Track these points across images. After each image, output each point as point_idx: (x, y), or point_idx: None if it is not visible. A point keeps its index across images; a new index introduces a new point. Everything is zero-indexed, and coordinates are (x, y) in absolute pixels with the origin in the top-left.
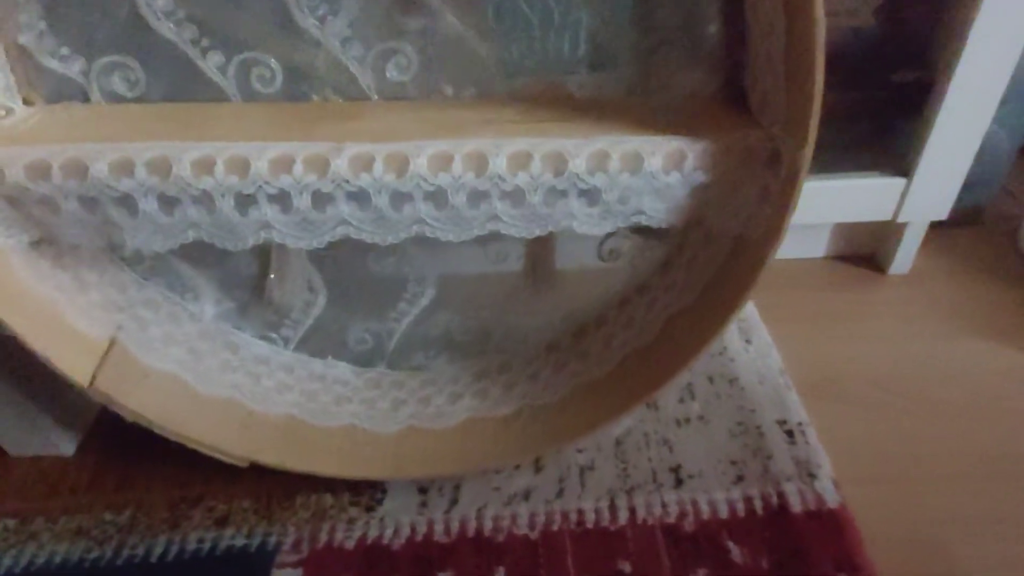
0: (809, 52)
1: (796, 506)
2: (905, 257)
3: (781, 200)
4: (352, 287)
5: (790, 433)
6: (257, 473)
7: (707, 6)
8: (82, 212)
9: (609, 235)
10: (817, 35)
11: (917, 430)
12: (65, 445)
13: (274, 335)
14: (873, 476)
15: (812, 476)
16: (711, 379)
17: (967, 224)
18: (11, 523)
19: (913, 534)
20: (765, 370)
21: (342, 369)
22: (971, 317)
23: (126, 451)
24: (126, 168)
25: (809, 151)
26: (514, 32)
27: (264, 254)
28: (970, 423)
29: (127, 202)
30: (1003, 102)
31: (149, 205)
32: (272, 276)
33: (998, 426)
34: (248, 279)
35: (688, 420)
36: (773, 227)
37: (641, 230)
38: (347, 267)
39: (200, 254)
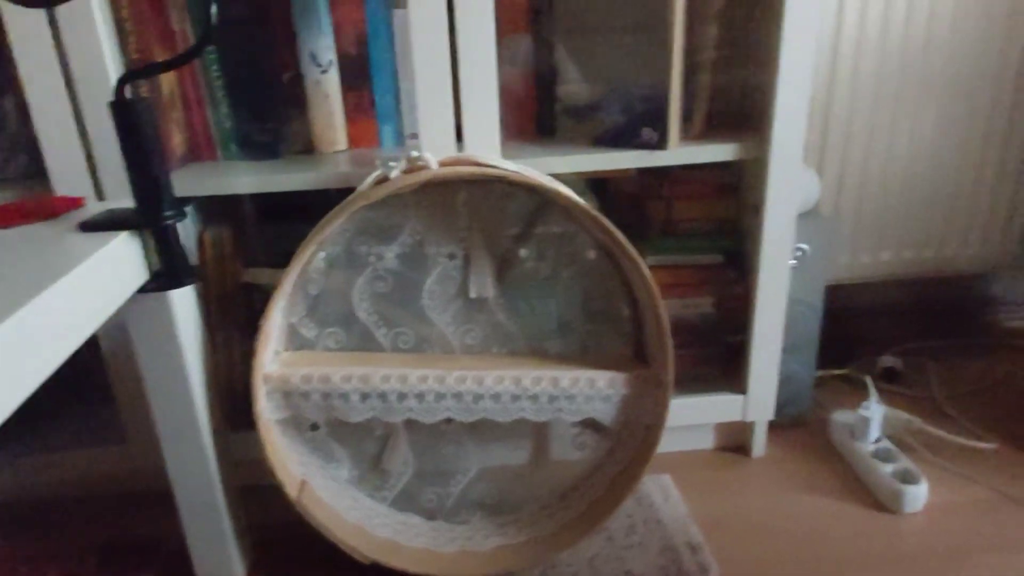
0: (664, 333)
1: None
2: (760, 446)
3: (663, 403)
4: (429, 464)
5: (693, 549)
6: None
7: (620, 305)
8: (320, 400)
9: (578, 434)
10: (666, 326)
11: (766, 544)
12: (239, 571)
13: (377, 495)
14: (742, 570)
15: (706, 571)
16: (644, 521)
17: (796, 426)
18: None
19: None
20: (677, 515)
21: (416, 520)
22: (799, 480)
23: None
24: (347, 378)
25: (668, 379)
26: (522, 319)
27: (383, 440)
28: (798, 539)
29: (344, 395)
30: (797, 350)
31: (354, 397)
32: (387, 451)
33: (814, 537)
34: (369, 457)
35: (632, 545)
36: (661, 418)
37: (598, 430)
38: (428, 452)
39: (344, 438)
